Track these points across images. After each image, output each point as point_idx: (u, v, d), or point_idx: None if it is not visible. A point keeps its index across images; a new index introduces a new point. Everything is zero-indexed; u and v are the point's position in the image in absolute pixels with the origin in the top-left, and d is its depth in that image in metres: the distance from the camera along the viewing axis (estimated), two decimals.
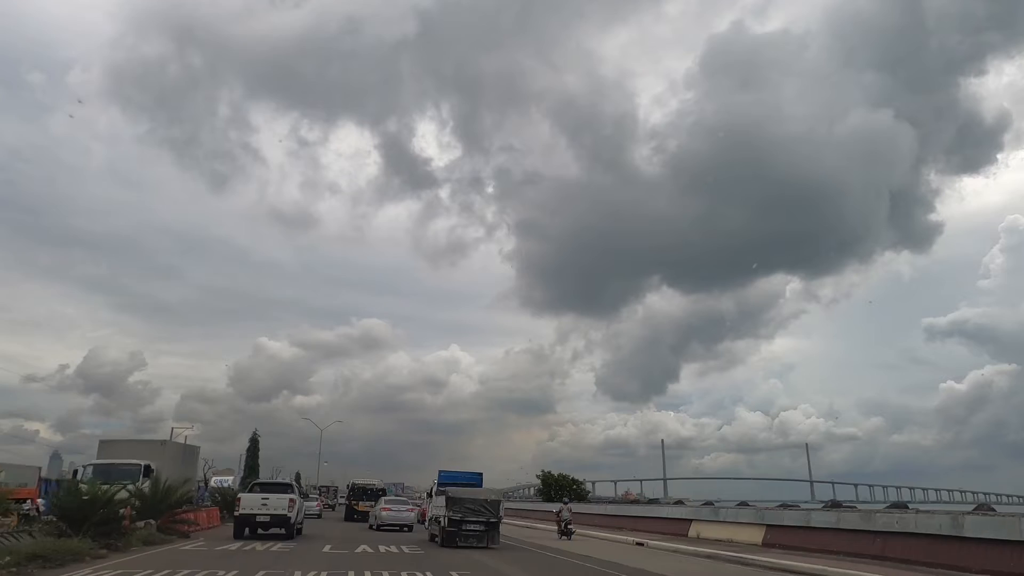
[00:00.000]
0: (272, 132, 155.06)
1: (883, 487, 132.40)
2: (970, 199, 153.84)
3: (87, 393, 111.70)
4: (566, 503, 26.43)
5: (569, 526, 24.20)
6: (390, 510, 27.54)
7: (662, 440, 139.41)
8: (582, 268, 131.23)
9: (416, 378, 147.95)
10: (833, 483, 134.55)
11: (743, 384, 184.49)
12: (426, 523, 24.94)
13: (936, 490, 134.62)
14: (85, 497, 15.98)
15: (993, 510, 17.59)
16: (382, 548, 18.30)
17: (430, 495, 24.05)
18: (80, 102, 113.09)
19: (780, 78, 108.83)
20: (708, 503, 31.28)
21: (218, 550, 16.38)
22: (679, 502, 42.77)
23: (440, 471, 23.87)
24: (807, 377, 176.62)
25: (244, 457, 41.41)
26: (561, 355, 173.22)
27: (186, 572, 11.67)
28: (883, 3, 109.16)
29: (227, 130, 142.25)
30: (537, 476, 49.81)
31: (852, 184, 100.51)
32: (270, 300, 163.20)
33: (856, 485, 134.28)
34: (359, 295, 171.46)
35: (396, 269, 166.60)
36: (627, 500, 62.27)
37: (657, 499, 71.13)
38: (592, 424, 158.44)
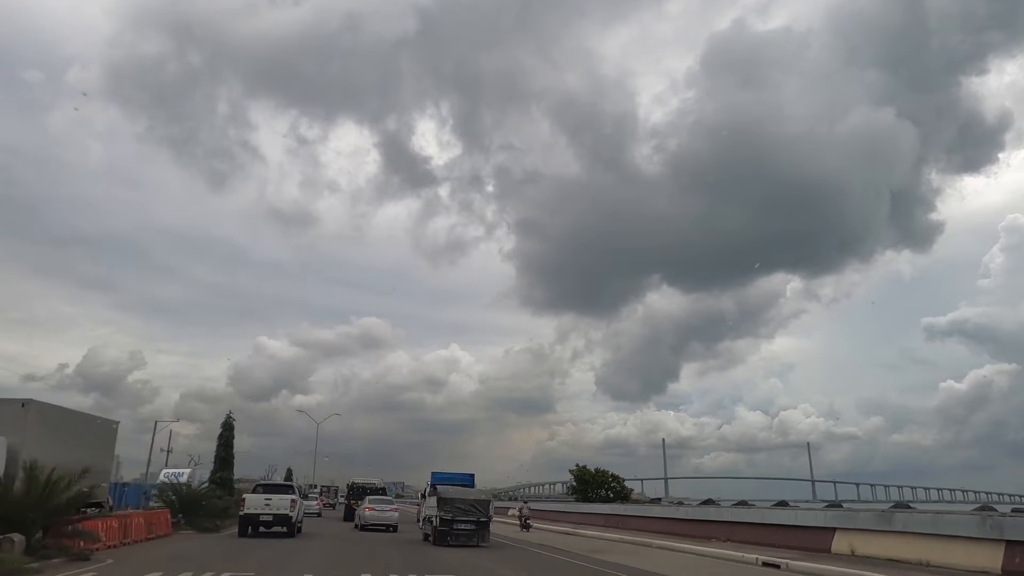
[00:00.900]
0: (271, 130, 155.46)
1: (884, 487, 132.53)
2: (971, 198, 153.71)
3: (87, 392, 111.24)
4: (525, 503, 31.76)
5: (528, 520, 28.32)
6: (373, 510, 26.34)
7: (663, 439, 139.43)
8: (582, 267, 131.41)
9: (416, 377, 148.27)
10: (835, 482, 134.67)
11: (743, 383, 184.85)
12: (420, 522, 24.76)
13: (937, 489, 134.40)
14: None
15: None
16: (377, 547, 18.15)
17: (423, 496, 23.78)
18: (85, 95, 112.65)
19: (781, 77, 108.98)
20: (708, 501, 30.59)
21: None
22: (680, 502, 42.27)
23: (433, 472, 23.86)
24: (807, 376, 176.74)
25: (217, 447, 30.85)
26: (561, 354, 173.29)
27: None
28: (885, 2, 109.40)
29: (226, 128, 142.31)
30: (571, 471, 47.19)
31: (853, 183, 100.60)
32: (269, 299, 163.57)
33: (858, 485, 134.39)
34: (359, 294, 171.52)
35: (396, 269, 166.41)
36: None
37: (659, 499, 70.82)
38: (592, 423, 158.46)
